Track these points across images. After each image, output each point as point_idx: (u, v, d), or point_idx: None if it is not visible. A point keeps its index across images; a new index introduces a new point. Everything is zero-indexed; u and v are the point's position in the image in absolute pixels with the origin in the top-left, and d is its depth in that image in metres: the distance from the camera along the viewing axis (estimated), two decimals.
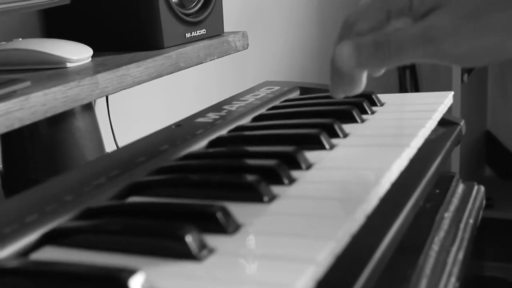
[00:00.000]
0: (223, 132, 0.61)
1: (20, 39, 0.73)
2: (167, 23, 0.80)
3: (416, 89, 2.18)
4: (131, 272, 0.32)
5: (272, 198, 0.44)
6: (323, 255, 0.35)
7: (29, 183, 0.49)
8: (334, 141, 0.56)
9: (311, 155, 0.51)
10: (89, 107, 0.74)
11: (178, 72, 0.82)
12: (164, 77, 0.79)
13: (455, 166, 1.86)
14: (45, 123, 0.70)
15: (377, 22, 0.49)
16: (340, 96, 0.52)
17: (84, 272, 0.34)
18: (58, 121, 0.70)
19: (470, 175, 2.07)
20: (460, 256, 0.54)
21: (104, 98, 0.90)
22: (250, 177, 0.44)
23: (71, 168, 0.71)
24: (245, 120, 0.65)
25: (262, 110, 0.68)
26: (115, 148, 0.88)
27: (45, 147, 0.71)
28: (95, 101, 0.89)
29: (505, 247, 1.84)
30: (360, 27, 0.49)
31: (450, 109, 0.69)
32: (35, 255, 0.38)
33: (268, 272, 0.34)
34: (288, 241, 0.37)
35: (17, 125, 0.56)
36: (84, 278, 0.33)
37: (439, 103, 0.65)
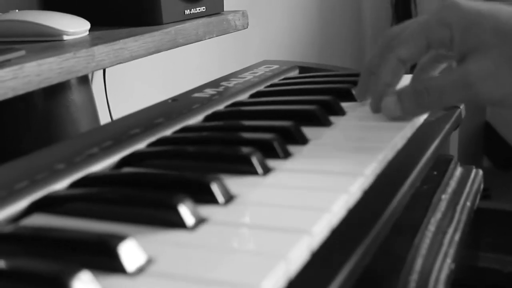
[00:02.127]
0: (220, 107, 0.60)
1: (17, 10, 0.72)
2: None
3: None
4: (121, 238, 0.32)
5: (267, 171, 0.43)
6: (319, 226, 0.35)
7: (23, 156, 0.48)
8: (332, 118, 0.55)
9: (308, 131, 0.51)
10: (85, 81, 0.73)
11: (178, 50, 0.81)
12: (165, 54, 0.78)
13: (453, 154, 1.85)
14: (40, 96, 0.69)
15: (417, 48, 0.53)
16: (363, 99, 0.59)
17: (73, 237, 0.33)
18: (53, 94, 0.69)
19: (469, 164, 2.06)
20: (457, 237, 0.53)
21: (101, 72, 0.89)
22: (245, 149, 0.43)
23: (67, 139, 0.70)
24: (243, 97, 0.64)
25: (260, 87, 0.67)
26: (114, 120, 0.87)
27: (39, 120, 0.70)
28: (92, 75, 0.88)
29: (501, 238, 1.83)
30: (400, 52, 0.53)
31: None
32: (25, 221, 0.38)
33: (261, 242, 0.33)
34: (282, 212, 0.37)
35: (10, 94, 0.55)
36: (73, 244, 0.33)
37: None
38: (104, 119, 0.82)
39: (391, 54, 0.54)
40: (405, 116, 0.54)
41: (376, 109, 0.56)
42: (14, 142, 0.71)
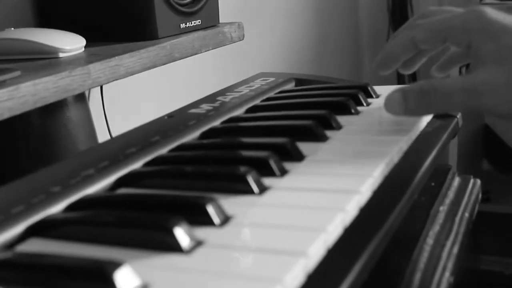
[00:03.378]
0: (216, 123, 0.60)
1: (12, 28, 0.72)
2: (162, 13, 0.79)
3: (414, 81, 2.17)
4: (116, 264, 0.32)
5: (264, 189, 0.43)
6: (314, 247, 0.35)
7: (21, 174, 0.48)
8: (329, 133, 0.55)
9: (304, 147, 0.51)
10: (81, 98, 0.73)
11: (175, 63, 0.81)
12: (161, 67, 0.78)
13: (452, 160, 1.85)
14: (36, 114, 0.69)
15: (433, 39, 0.54)
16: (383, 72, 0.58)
17: (68, 264, 0.33)
18: (50, 112, 0.69)
19: (468, 169, 2.06)
20: (455, 250, 0.53)
21: (99, 88, 0.89)
22: (241, 168, 0.43)
23: (64, 159, 0.70)
24: (239, 111, 0.64)
25: (257, 101, 0.67)
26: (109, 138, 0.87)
27: (37, 138, 0.70)
28: (89, 91, 0.88)
29: (502, 240, 1.83)
30: (416, 33, 0.54)
31: None
32: (21, 247, 0.38)
33: (257, 265, 0.33)
34: (278, 233, 0.37)
35: (6, 115, 0.55)
36: (69, 271, 0.33)
37: None
38: (102, 134, 0.82)
39: (409, 30, 0.55)
40: (407, 113, 0.53)
41: (378, 69, 0.58)
42: (11, 160, 0.71)
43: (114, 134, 0.89)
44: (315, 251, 0.34)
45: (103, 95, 0.89)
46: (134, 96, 1.08)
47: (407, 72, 0.62)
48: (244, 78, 0.80)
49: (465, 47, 0.53)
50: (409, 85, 0.53)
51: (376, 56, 0.59)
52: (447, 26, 0.53)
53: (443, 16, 0.54)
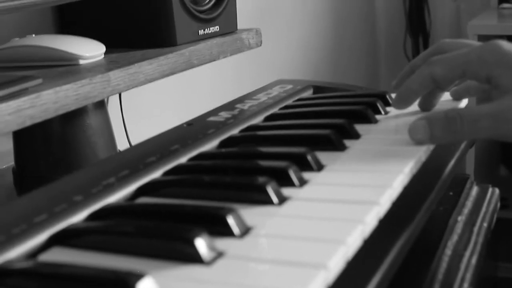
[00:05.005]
0: (235, 131, 0.60)
1: (33, 35, 0.73)
2: (180, 20, 0.80)
3: None
4: (138, 276, 0.32)
5: (283, 200, 0.43)
6: (334, 260, 0.35)
7: (41, 181, 0.48)
8: (347, 142, 0.55)
9: (323, 156, 0.51)
10: (101, 105, 0.74)
11: (193, 69, 0.81)
12: (179, 74, 0.78)
13: (469, 167, 1.84)
14: (57, 121, 0.70)
15: (451, 74, 0.55)
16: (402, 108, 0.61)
17: (91, 275, 0.34)
18: (70, 119, 0.70)
19: (485, 176, 2.05)
20: (473, 260, 0.53)
21: (117, 95, 0.90)
22: (260, 179, 0.44)
23: (83, 165, 0.71)
24: (257, 120, 0.64)
25: (275, 109, 0.68)
26: (127, 146, 0.88)
27: (57, 145, 0.71)
28: (107, 98, 0.89)
29: None
30: (435, 70, 0.55)
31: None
32: (43, 256, 0.38)
33: (278, 278, 0.34)
34: (298, 245, 0.37)
35: (28, 122, 0.55)
36: (91, 281, 0.33)
37: (456, 105, 0.64)
38: (121, 141, 0.83)
39: (427, 66, 0.56)
40: (432, 141, 0.53)
41: (396, 105, 0.60)
42: (32, 167, 0.71)
43: (132, 141, 0.90)
44: (335, 264, 0.35)
45: (122, 102, 0.89)
46: (152, 102, 1.08)
47: (428, 110, 0.63)
48: (262, 84, 0.80)
49: (484, 81, 0.54)
50: (433, 113, 0.53)
51: (395, 93, 0.61)
52: (464, 60, 0.54)
53: (460, 51, 0.55)
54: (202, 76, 1.20)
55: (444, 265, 0.50)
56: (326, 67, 1.81)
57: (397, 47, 2.24)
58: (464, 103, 0.66)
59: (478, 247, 0.56)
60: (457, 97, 0.65)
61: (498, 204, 0.67)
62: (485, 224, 0.60)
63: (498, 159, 2.29)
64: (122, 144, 0.83)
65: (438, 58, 0.56)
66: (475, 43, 0.57)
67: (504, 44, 0.53)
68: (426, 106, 0.63)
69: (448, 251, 0.52)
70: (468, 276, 0.51)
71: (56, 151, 0.70)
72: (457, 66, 0.55)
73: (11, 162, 0.75)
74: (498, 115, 0.50)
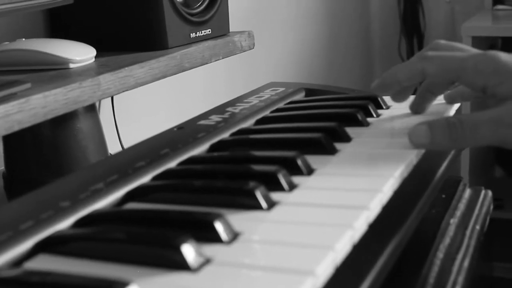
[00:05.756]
0: (226, 135, 0.60)
1: (23, 39, 0.73)
2: (172, 23, 0.79)
3: None
4: (123, 284, 0.32)
5: (272, 205, 0.43)
6: (322, 266, 0.34)
7: (32, 185, 0.48)
8: (338, 145, 0.55)
9: (313, 160, 0.50)
10: (92, 109, 0.74)
11: (185, 72, 0.81)
12: (172, 77, 0.78)
13: (464, 168, 1.84)
14: (47, 125, 0.69)
15: (443, 76, 0.55)
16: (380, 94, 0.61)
17: (76, 283, 0.33)
18: (60, 123, 0.70)
19: (480, 177, 2.05)
20: (466, 264, 0.53)
21: (109, 99, 0.90)
22: (249, 184, 0.43)
23: (74, 169, 0.70)
24: (249, 123, 0.64)
25: (266, 112, 0.67)
26: (120, 149, 0.87)
27: (47, 149, 0.70)
28: (99, 102, 0.89)
29: None
30: (427, 66, 0.55)
31: (459, 110, 0.68)
32: (29, 264, 0.38)
33: (266, 284, 0.33)
34: (287, 250, 0.36)
35: (16, 127, 0.55)
36: None
37: (448, 108, 0.64)
38: (113, 145, 0.82)
39: (421, 60, 0.55)
40: (433, 146, 0.52)
41: (376, 90, 0.59)
42: (22, 171, 0.71)
43: (124, 144, 0.89)
44: (323, 270, 0.34)
45: (114, 106, 0.89)
46: (145, 106, 1.08)
47: (399, 101, 0.63)
48: (254, 86, 0.80)
49: (479, 90, 0.53)
50: (434, 119, 0.53)
51: (379, 78, 0.59)
52: (460, 66, 0.53)
53: (455, 54, 0.55)
54: (194, 79, 1.20)
55: (435, 268, 0.50)
56: (320, 69, 1.80)
57: (392, 48, 2.24)
58: (456, 106, 0.66)
59: (471, 250, 0.56)
60: (450, 101, 0.65)
61: (491, 206, 0.67)
62: (477, 227, 0.60)
63: (493, 160, 2.29)
64: (114, 148, 0.83)
65: (434, 55, 0.55)
66: (470, 48, 0.57)
67: (502, 55, 0.52)
68: (417, 109, 0.63)
69: (440, 254, 0.52)
70: (460, 279, 0.50)
71: (47, 155, 0.70)
72: (451, 70, 0.54)
73: (1, 167, 0.74)
74: (499, 121, 0.50)
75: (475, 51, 0.56)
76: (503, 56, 0.52)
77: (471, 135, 0.51)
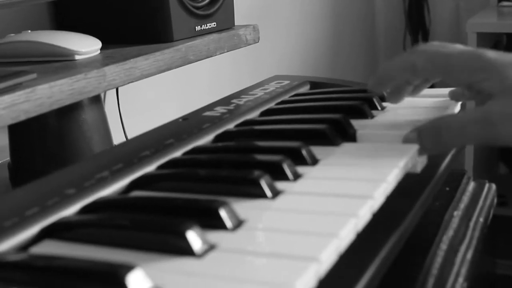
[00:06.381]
0: (230, 126, 0.60)
1: (29, 31, 0.73)
2: (177, 16, 0.79)
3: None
4: (128, 268, 0.32)
5: (276, 193, 0.43)
6: (326, 253, 0.35)
7: (37, 176, 0.48)
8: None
9: (318, 151, 0.51)
10: (97, 100, 0.74)
11: (191, 65, 0.81)
12: (177, 69, 0.78)
13: (468, 164, 1.84)
14: (52, 116, 0.69)
15: (431, 70, 0.55)
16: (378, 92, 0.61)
17: (81, 267, 0.33)
18: (66, 114, 0.70)
19: (484, 173, 2.05)
20: (469, 255, 0.53)
21: (115, 90, 0.90)
22: (254, 172, 0.43)
23: (79, 160, 0.70)
24: (253, 115, 0.64)
25: (271, 105, 0.67)
26: (124, 140, 0.88)
27: (52, 140, 0.70)
28: (104, 93, 0.89)
29: None
30: (417, 60, 0.55)
31: (464, 106, 0.68)
32: (35, 249, 0.38)
33: (269, 270, 0.33)
34: (291, 238, 0.37)
35: (22, 117, 0.55)
36: (82, 273, 0.33)
37: (453, 104, 0.64)
38: (118, 136, 0.82)
39: (411, 54, 0.56)
40: (425, 152, 0.52)
41: (374, 88, 0.59)
42: (27, 162, 0.71)
43: (129, 136, 0.90)
44: (327, 257, 0.34)
45: (119, 97, 0.89)
46: (150, 98, 1.08)
47: (395, 103, 0.63)
48: (259, 80, 0.80)
49: (465, 86, 0.54)
50: (421, 125, 0.53)
51: (372, 76, 0.60)
52: (449, 63, 0.54)
53: (444, 50, 0.55)
54: (199, 72, 1.20)
55: (439, 259, 0.50)
56: (325, 65, 1.80)
57: (397, 44, 2.23)
58: (459, 104, 0.66)
59: (474, 242, 0.56)
60: (454, 98, 0.65)
61: (495, 200, 0.67)
62: (481, 219, 0.60)
63: (497, 157, 2.29)
64: (119, 139, 0.83)
65: (424, 49, 0.56)
66: (463, 47, 0.57)
67: (488, 52, 0.53)
68: (393, 101, 0.63)
69: (444, 246, 0.52)
70: (463, 271, 0.51)
71: (52, 146, 0.70)
72: (440, 65, 0.54)
73: (6, 158, 0.74)
74: (485, 120, 0.50)
75: (464, 49, 0.56)
76: (490, 53, 0.52)
77: (458, 136, 0.51)
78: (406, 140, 0.53)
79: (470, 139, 0.52)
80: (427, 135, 0.52)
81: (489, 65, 0.52)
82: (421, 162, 0.51)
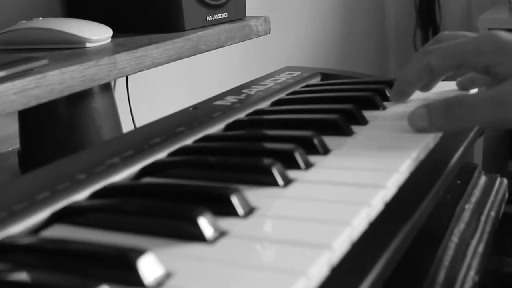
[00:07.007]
0: (241, 115, 0.60)
1: (41, 18, 0.73)
2: (189, 6, 0.79)
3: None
4: (140, 252, 0.32)
5: (288, 182, 0.43)
6: (339, 241, 0.34)
7: (46, 163, 0.48)
8: (354, 127, 0.54)
9: (329, 141, 0.50)
10: (107, 88, 0.74)
11: (201, 55, 0.81)
12: (187, 59, 0.78)
13: (478, 160, 1.83)
14: (63, 103, 0.69)
15: (447, 64, 0.54)
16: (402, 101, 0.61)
17: (93, 250, 0.33)
18: (76, 101, 0.70)
19: (494, 170, 2.04)
20: (480, 249, 0.53)
21: (124, 79, 0.90)
22: (265, 160, 0.43)
23: (88, 148, 0.70)
24: (264, 105, 0.64)
25: (282, 95, 0.67)
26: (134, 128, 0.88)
27: (62, 127, 0.70)
28: (114, 82, 0.89)
29: None
30: (430, 59, 0.55)
31: None
32: (45, 233, 0.38)
33: (281, 257, 0.33)
34: (303, 225, 0.36)
35: (33, 102, 0.55)
36: (93, 257, 0.33)
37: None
38: (126, 125, 0.82)
39: (423, 56, 0.55)
40: (432, 129, 0.52)
41: (395, 98, 0.60)
42: (37, 149, 0.71)
43: (138, 125, 0.89)
44: (340, 245, 0.34)
45: (128, 86, 0.89)
46: (159, 87, 1.08)
47: (423, 92, 0.63)
48: (269, 71, 0.79)
49: (482, 71, 0.53)
50: (433, 101, 0.53)
51: (393, 86, 0.60)
52: (461, 50, 0.54)
53: (456, 41, 0.55)
54: (210, 62, 1.20)
55: (450, 252, 0.49)
56: (335, 58, 1.80)
57: (407, 40, 2.22)
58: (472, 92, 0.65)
59: (485, 236, 0.55)
60: (462, 88, 0.65)
61: (506, 194, 0.66)
62: (492, 213, 0.60)
63: (507, 153, 2.28)
64: (128, 128, 0.83)
65: (434, 48, 0.56)
66: (474, 34, 0.57)
67: (502, 33, 0.52)
68: (422, 90, 0.63)
69: (455, 239, 0.52)
70: (475, 264, 0.50)
71: (62, 134, 0.70)
72: (452, 56, 0.54)
73: (17, 145, 0.74)
74: (497, 100, 0.49)
75: (475, 35, 0.56)
76: (503, 34, 0.52)
77: (469, 115, 0.50)
78: (414, 115, 0.52)
79: (481, 120, 0.51)
80: (437, 111, 0.51)
81: (503, 47, 0.51)
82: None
